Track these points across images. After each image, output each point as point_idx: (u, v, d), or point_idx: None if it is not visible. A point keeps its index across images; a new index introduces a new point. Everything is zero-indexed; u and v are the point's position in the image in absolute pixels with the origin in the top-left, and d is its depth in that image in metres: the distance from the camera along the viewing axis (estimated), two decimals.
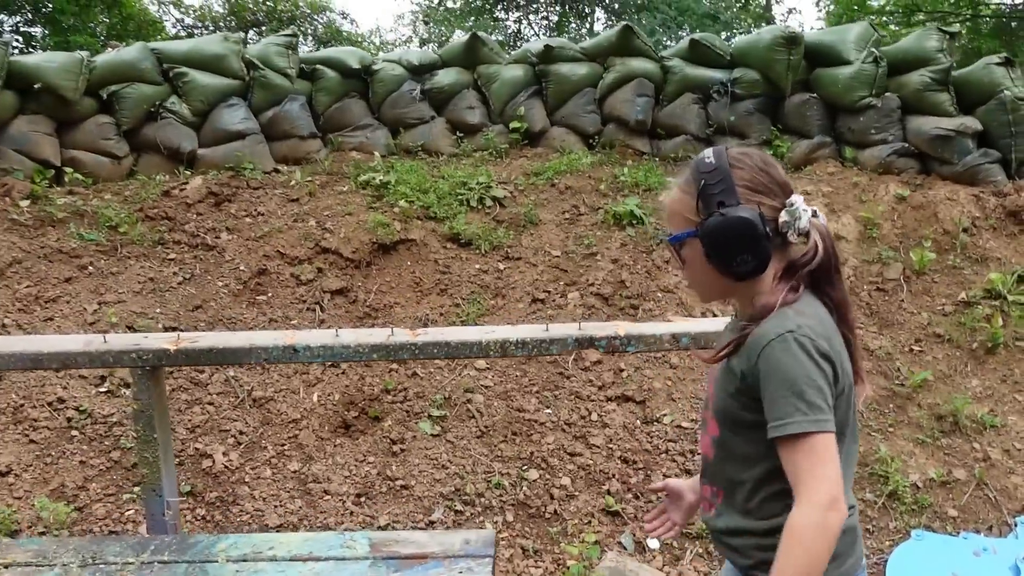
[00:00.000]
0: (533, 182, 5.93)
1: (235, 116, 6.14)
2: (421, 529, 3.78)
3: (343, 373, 4.61)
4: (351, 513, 3.91)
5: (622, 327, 2.41)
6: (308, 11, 17.35)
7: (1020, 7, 16.88)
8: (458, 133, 6.49)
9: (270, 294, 5.06)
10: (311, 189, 5.78)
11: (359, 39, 18.18)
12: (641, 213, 5.48)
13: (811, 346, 1.49)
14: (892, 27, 16.26)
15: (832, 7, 18.19)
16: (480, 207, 5.69)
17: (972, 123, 5.53)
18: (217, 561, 1.88)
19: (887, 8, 17.33)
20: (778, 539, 1.52)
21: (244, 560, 1.88)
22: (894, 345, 4.76)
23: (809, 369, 1.47)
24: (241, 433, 4.22)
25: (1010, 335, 4.72)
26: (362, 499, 3.99)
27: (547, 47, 6.42)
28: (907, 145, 5.72)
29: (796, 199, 1.58)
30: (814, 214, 1.58)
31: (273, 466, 4.09)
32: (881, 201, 5.51)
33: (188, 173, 5.98)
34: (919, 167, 5.76)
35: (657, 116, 6.32)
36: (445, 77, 6.48)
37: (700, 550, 3.82)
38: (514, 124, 6.38)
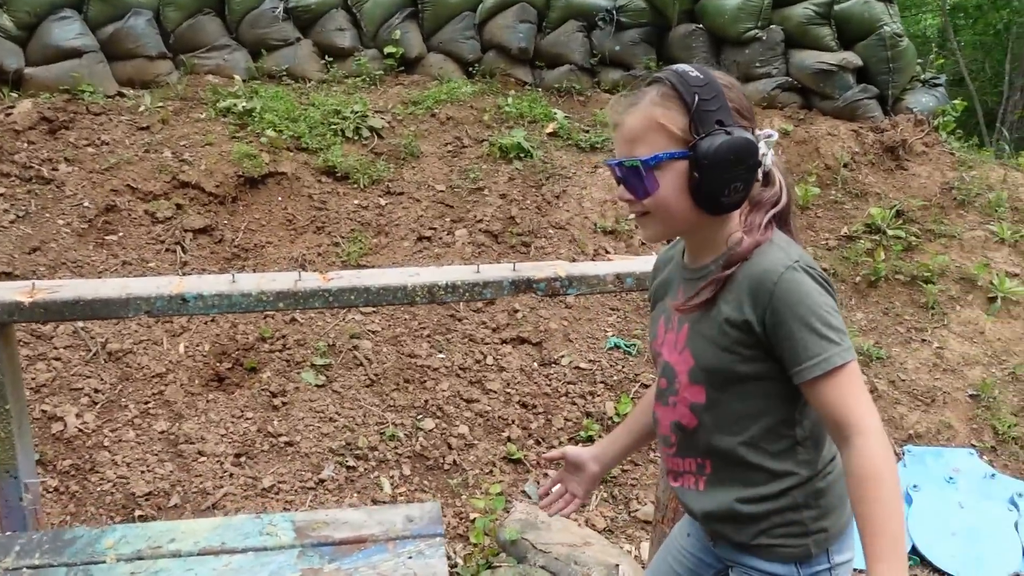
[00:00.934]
0: (412, 111, 5.55)
1: (68, 31, 5.39)
2: (338, 507, 3.46)
3: (212, 321, 4.17)
4: (230, 475, 3.53)
5: (561, 267, 2.17)
6: None
7: None
8: (327, 57, 5.99)
9: (121, 234, 4.50)
10: (164, 116, 5.17)
11: None
12: (529, 146, 5.22)
13: (818, 274, 1.38)
14: None
15: None
16: (356, 138, 5.28)
17: (853, 58, 5.59)
18: (105, 561, 1.52)
19: None
20: (794, 497, 1.46)
21: (140, 559, 1.53)
22: None
23: (827, 297, 1.36)
24: (96, 391, 3.72)
25: (890, 268, 4.83)
26: (242, 459, 3.61)
27: None
28: (790, 79, 5.73)
29: (770, 131, 1.45)
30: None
31: (137, 427, 3.64)
32: None
33: (15, 95, 5.22)
34: (801, 102, 5.80)
35: (540, 44, 6.05)
36: None
37: (605, 494, 3.71)
38: (388, 49, 5.94)
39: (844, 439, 1.32)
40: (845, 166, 5.33)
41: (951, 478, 3.90)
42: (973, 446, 4.10)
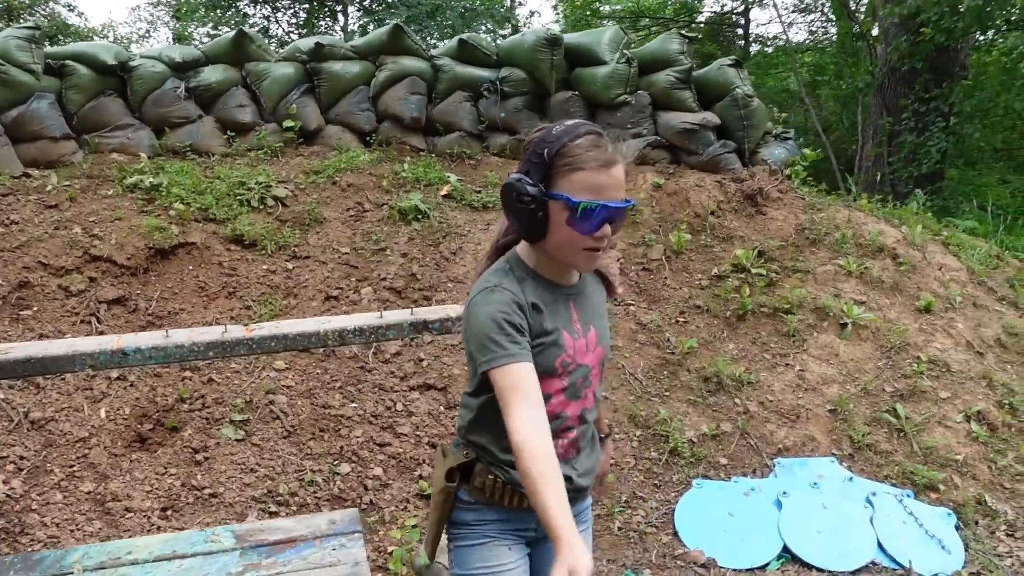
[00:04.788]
0: (314, 180, 5.89)
1: None
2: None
3: (132, 385, 4.38)
4: (158, 528, 3.73)
5: (452, 310, 2.55)
6: (26, 1, 15.77)
7: (727, 15, 18.91)
8: (229, 132, 6.29)
9: (35, 308, 4.67)
10: (71, 194, 5.37)
11: (90, 33, 16.78)
12: (426, 208, 5.63)
13: None
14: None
15: (566, 12, 19.38)
16: (262, 207, 5.58)
17: (712, 118, 6.22)
18: (73, 572, 1.80)
19: (616, 14, 18.76)
20: None
21: (103, 568, 1.82)
22: (663, 318, 5.27)
23: None
24: (21, 458, 3.89)
25: (755, 302, 5.38)
26: (168, 512, 3.82)
27: (318, 44, 6.39)
28: (659, 138, 6.33)
29: None
30: None
31: (64, 489, 3.81)
32: (641, 189, 6.05)
33: None
34: (670, 157, 6.38)
35: (431, 113, 6.50)
36: (212, 75, 6.25)
37: None
38: (287, 123, 6.29)
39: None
40: (712, 213, 5.91)
41: (815, 483, 4.37)
42: (834, 455, 4.61)
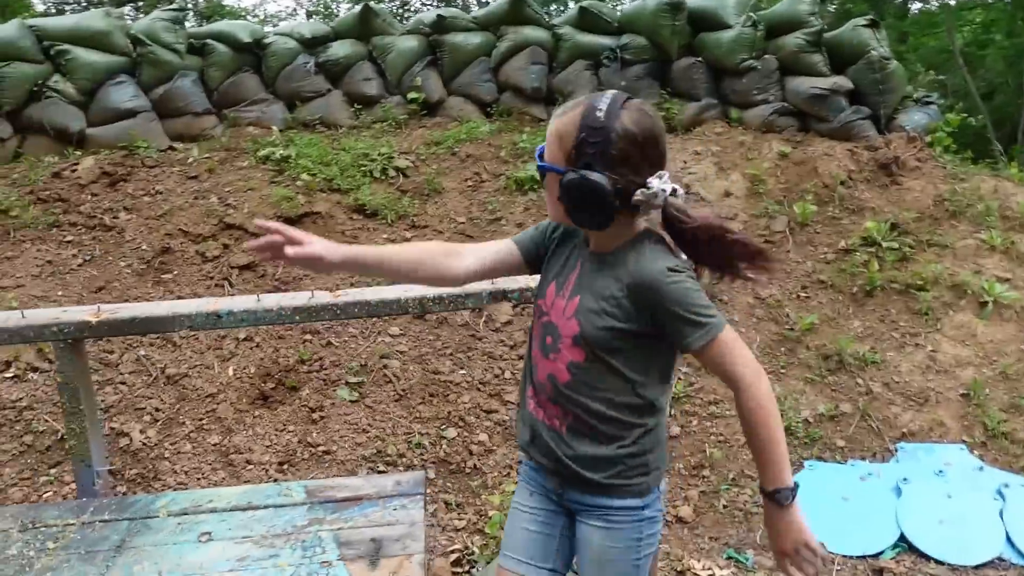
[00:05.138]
0: (434, 151, 6.02)
1: (124, 94, 5.99)
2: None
3: (257, 346, 4.64)
4: (275, 481, 3.96)
5: (532, 279, 2.56)
6: None
7: None
8: (356, 105, 6.51)
9: (175, 272, 5.01)
10: (210, 166, 5.72)
11: (243, 12, 17.66)
12: None
13: (688, 275, 1.71)
14: None
15: None
16: (383, 178, 5.75)
17: (844, 82, 5.90)
18: (158, 516, 1.95)
19: None
20: (643, 444, 1.81)
21: (185, 514, 1.96)
22: (783, 293, 5.09)
23: (699, 291, 1.70)
24: (157, 410, 4.21)
25: (885, 278, 5.10)
26: (285, 466, 4.05)
27: (440, 17, 6.49)
28: (787, 104, 6.07)
29: (656, 184, 1.67)
30: (673, 192, 1.69)
31: (193, 440, 4.10)
32: (766, 158, 5.83)
33: (78, 153, 5.82)
34: (798, 125, 6.12)
35: (552, 82, 6.49)
36: (340, 49, 6.47)
37: None
38: (412, 95, 6.44)
39: (733, 391, 1.69)
40: (842, 183, 5.63)
41: (941, 471, 4.12)
42: (964, 442, 4.34)
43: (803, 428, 4.36)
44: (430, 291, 2.47)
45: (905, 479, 4.06)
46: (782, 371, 4.67)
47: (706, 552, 3.71)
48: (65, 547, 1.82)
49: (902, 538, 3.82)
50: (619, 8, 6.87)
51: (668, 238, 1.77)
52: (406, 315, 4.83)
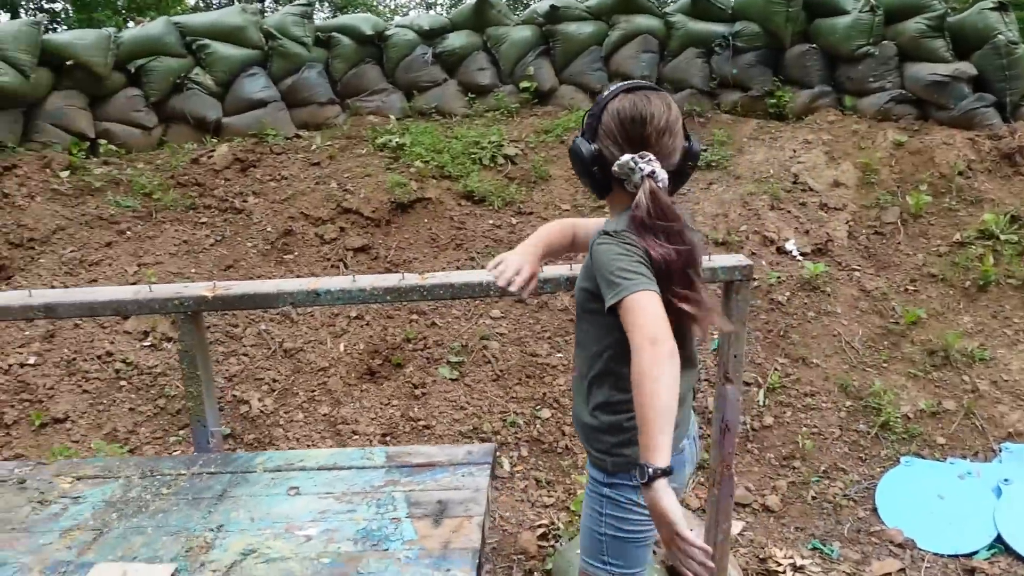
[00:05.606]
0: (543, 139, 6.16)
1: (256, 85, 6.41)
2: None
3: (367, 324, 4.93)
4: None
5: None
6: None
7: None
8: (470, 94, 6.72)
9: (296, 253, 5.37)
10: (331, 153, 6.06)
11: (374, 3, 18.30)
12: None
13: (622, 240, 1.80)
14: None
15: None
16: (492, 165, 5.95)
17: (967, 68, 5.67)
18: (255, 471, 2.19)
19: None
20: (602, 421, 1.99)
21: (279, 470, 2.20)
22: (889, 285, 4.98)
23: (623, 255, 1.75)
24: (274, 381, 4.56)
25: (1001, 273, 4.92)
26: (387, 438, 4.32)
27: (553, 7, 6.61)
28: (905, 92, 5.88)
29: (625, 157, 1.83)
30: (651, 174, 1.81)
31: (305, 410, 4.43)
32: (879, 147, 5.68)
33: (214, 141, 6.28)
34: (917, 113, 5.92)
35: (662, 71, 6.51)
36: (456, 40, 6.69)
37: (702, 478, 4.10)
38: (524, 84, 6.60)
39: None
40: (960, 174, 5.43)
41: None
42: None
43: (902, 423, 4.30)
44: None
45: (1007, 480, 3.95)
46: (884, 365, 4.60)
47: (790, 542, 3.74)
48: (176, 493, 2.09)
49: (999, 539, 3.73)
50: None
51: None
52: (506, 300, 5.02)
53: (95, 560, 1.78)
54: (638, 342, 1.60)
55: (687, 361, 2.01)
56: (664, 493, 1.57)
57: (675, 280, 1.80)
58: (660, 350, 1.57)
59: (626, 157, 1.83)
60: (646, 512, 1.86)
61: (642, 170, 1.81)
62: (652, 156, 1.83)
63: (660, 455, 1.55)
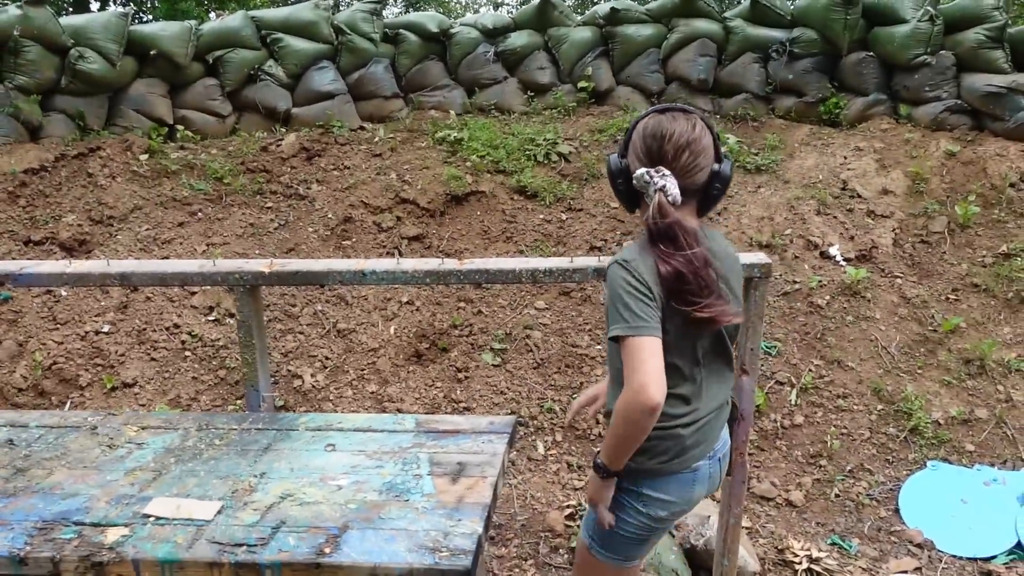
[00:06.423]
0: (597, 138, 6.33)
1: (325, 78, 6.72)
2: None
3: (417, 310, 5.17)
4: None
5: None
6: None
7: None
8: (529, 92, 6.92)
9: (354, 239, 5.64)
10: (393, 145, 6.33)
11: (448, 0, 18.62)
12: None
13: (631, 268, 1.95)
14: None
15: None
16: (546, 162, 6.14)
17: None
18: (298, 430, 2.43)
19: None
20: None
21: (319, 430, 2.43)
22: (931, 294, 5.03)
23: (630, 287, 1.93)
24: (327, 358, 4.83)
25: None
26: None
27: (613, 9, 6.76)
28: (960, 102, 5.88)
29: (640, 171, 1.98)
30: (662, 188, 1.94)
31: (354, 387, 4.69)
32: (931, 156, 5.71)
33: (283, 130, 6.61)
34: (972, 123, 5.92)
35: (719, 75, 6.62)
36: (518, 39, 6.90)
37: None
38: (582, 84, 6.77)
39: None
40: (1011, 186, 5.43)
41: None
42: None
43: (932, 429, 4.36)
44: (542, 264, 2.82)
45: None
46: (918, 371, 4.66)
47: (810, 536, 3.86)
48: (227, 444, 2.34)
49: (1018, 546, 3.78)
50: (791, 2, 6.85)
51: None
52: (550, 291, 5.21)
53: (154, 495, 2.04)
54: (628, 382, 1.87)
55: (725, 365, 2.19)
56: (601, 485, 2.11)
57: (690, 289, 1.94)
58: (642, 398, 1.83)
59: (642, 170, 1.97)
60: (643, 513, 2.16)
61: (655, 184, 1.95)
62: (668, 171, 1.95)
63: (611, 463, 2.04)
